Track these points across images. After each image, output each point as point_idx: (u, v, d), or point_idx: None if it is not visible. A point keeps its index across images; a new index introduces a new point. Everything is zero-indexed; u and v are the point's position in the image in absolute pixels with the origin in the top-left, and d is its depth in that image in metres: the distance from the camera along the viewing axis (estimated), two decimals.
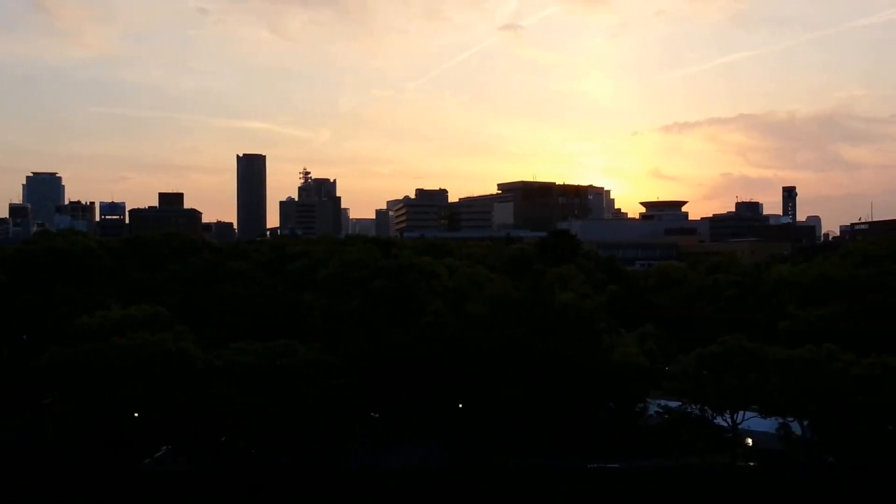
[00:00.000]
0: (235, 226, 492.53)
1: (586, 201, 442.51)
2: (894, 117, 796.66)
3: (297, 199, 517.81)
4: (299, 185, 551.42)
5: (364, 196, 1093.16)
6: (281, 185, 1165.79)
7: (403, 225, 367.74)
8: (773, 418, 56.99)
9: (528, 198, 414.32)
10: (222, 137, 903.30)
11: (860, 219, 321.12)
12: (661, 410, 60.37)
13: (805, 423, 55.82)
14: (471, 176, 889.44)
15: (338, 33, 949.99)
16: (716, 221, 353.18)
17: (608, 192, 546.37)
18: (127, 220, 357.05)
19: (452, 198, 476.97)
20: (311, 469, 55.39)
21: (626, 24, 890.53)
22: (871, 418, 51.36)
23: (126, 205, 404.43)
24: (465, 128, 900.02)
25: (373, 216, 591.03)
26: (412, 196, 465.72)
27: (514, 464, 56.79)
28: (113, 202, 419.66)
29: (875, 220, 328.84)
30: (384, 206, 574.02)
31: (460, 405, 61.32)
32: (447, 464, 58.21)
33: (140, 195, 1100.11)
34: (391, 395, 62.73)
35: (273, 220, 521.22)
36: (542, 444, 58.83)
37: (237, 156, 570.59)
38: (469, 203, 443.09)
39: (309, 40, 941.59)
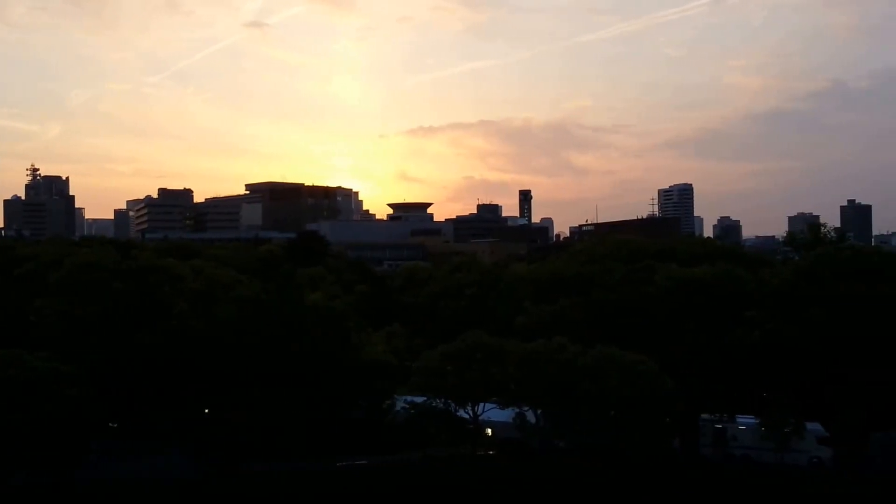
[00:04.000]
0: None
1: (335, 203, 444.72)
2: (616, 127, 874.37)
3: (23, 197, 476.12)
4: (26, 182, 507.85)
5: (101, 195, 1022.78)
6: (5, 183, 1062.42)
7: (145, 226, 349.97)
8: (510, 408, 60.68)
9: (277, 199, 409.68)
10: None
11: (587, 220, 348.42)
12: (407, 406, 62.26)
13: (538, 411, 59.93)
14: (217, 176, 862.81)
15: (68, 21, 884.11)
16: (459, 223, 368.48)
17: (357, 193, 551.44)
18: None
19: (198, 198, 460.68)
20: (44, 486, 51.49)
21: (371, 28, 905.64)
22: (596, 404, 56.03)
23: None
24: (211, 126, 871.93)
25: (111, 216, 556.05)
26: (154, 196, 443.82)
27: (262, 468, 56.13)
28: None
29: (600, 221, 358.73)
30: (124, 207, 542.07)
31: (207, 410, 59.67)
32: (194, 472, 56.42)
33: None
34: (135, 402, 59.80)
35: None
36: (293, 446, 58.62)
37: None
38: (216, 204, 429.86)
39: (34, 27, 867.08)
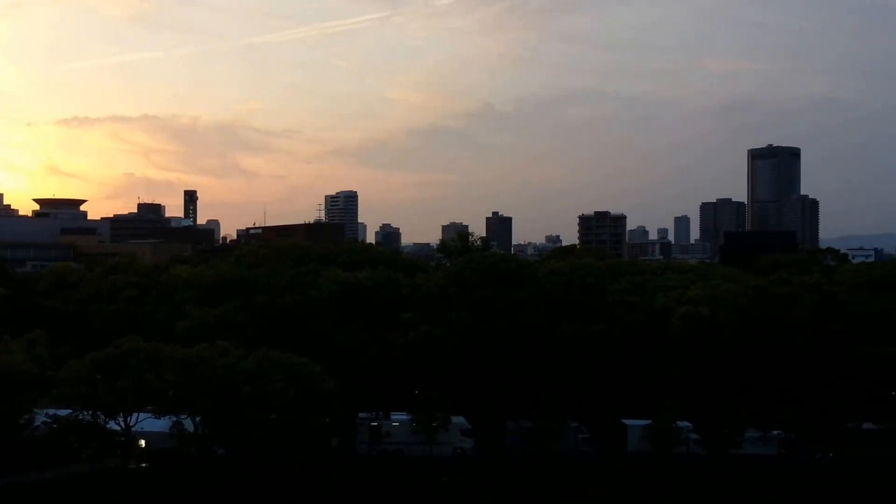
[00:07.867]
0: None
1: None
2: (285, 132, 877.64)
3: None
4: None
5: None
6: None
7: None
8: (167, 417, 58.34)
9: None
10: None
11: (255, 224, 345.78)
12: (49, 420, 57.38)
13: (198, 418, 58.29)
14: None
15: None
16: (117, 222, 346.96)
17: None
18: None
19: None
20: None
21: (16, 5, 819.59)
22: (258, 407, 55.64)
23: None
24: None
25: None
26: None
27: None
28: None
29: (268, 225, 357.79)
30: None
31: None
32: None
33: None
34: None
35: None
36: None
37: None
38: None
39: None
